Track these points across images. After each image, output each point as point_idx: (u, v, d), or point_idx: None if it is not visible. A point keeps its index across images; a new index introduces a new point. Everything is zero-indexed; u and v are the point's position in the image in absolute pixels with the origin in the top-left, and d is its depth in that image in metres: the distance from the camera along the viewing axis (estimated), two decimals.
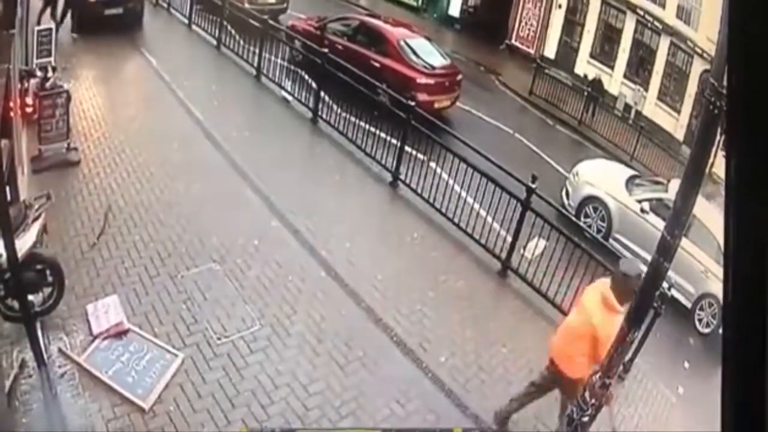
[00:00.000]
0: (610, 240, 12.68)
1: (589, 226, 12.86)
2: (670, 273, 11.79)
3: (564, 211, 12.47)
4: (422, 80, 15.28)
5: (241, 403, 8.02)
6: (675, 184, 13.57)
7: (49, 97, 11.48)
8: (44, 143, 11.44)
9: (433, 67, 15.67)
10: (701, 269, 11.81)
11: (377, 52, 15.70)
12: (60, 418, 7.51)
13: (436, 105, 15.15)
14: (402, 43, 15.81)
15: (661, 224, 12.00)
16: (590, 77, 18.04)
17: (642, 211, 12.83)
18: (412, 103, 12.41)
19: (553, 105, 17.81)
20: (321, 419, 8.07)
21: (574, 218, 12.59)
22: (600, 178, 13.84)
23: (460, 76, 16.07)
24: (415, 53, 15.77)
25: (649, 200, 12.97)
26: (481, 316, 10.03)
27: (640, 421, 9.03)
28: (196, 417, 7.77)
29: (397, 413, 8.32)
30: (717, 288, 11.51)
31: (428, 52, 16.05)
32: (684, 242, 11.80)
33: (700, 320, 11.72)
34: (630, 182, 13.75)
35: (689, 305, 11.82)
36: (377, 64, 15.39)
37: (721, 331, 10.61)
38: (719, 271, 11.50)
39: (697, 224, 12.07)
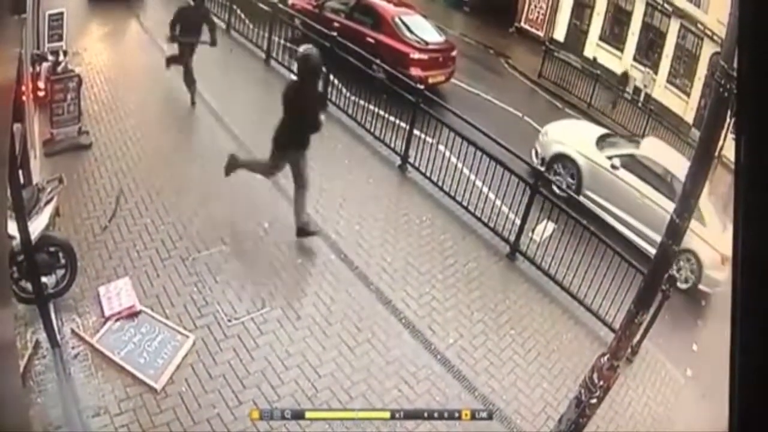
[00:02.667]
0: (581, 197, 12.65)
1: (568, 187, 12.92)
2: (646, 230, 11.98)
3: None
4: (416, 55, 15.34)
5: (252, 384, 8.11)
6: (648, 141, 13.79)
7: (61, 81, 11.50)
8: (56, 127, 11.47)
9: (427, 43, 15.71)
10: None
11: (372, 28, 15.74)
12: (73, 398, 7.60)
13: (431, 80, 15.19)
14: (396, 19, 15.85)
15: (632, 179, 12.37)
16: (619, 71, 17.89)
17: (612, 167, 12.82)
18: (421, 86, 12.43)
19: (562, 88, 17.71)
20: (331, 400, 8.16)
21: (545, 173, 12.56)
22: (569, 136, 13.79)
23: (454, 52, 16.10)
24: (409, 29, 15.80)
25: (620, 156, 12.97)
26: (489, 298, 10.07)
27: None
28: (207, 398, 7.86)
29: (406, 395, 8.40)
30: (695, 244, 11.58)
31: (423, 29, 16.07)
32: (659, 198, 11.90)
33: (678, 276, 11.73)
34: (601, 140, 13.70)
35: None
36: (372, 41, 15.43)
37: (700, 287, 10.68)
38: (697, 227, 11.50)
39: (672, 179, 12.23)
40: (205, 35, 13.51)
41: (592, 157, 13.17)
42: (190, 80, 13.28)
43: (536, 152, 13.71)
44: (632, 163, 12.77)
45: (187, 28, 13.18)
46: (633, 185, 12.53)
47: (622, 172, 12.74)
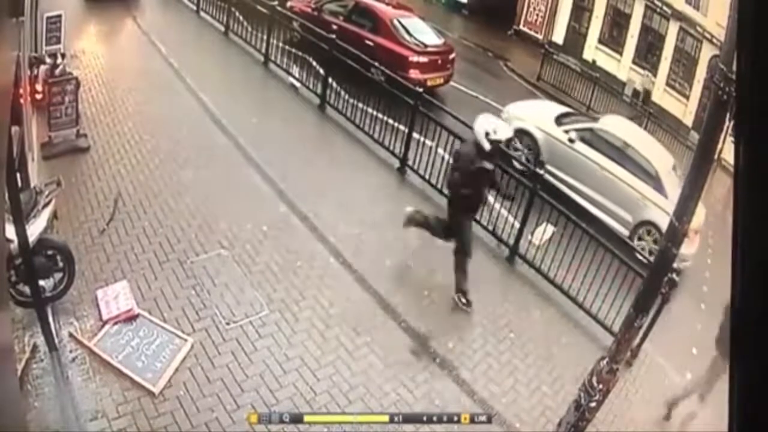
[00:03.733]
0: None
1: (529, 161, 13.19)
2: (605, 201, 12.28)
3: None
4: (414, 58, 15.37)
5: (250, 388, 8.09)
6: (608, 117, 14.11)
7: (59, 84, 11.50)
8: (54, 129, 11.46)
9: (426, 46, 15.74)
10: (638, 197, 11.97)
11: (371, 31, 15.76)
12: (71, 401, 7.58)
13: (429, 83, 15.24)
14: (395, 22, 15.88)
15: (589, 152, 12.69)
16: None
17: (570, 140, 13.01)
18: (420, 89, 12.43)
19: (561, 91, 17.72)
20: (329, 404, 8.14)
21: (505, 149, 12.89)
22: (529, 113, 14.07)
23: (453, 55, 16.14)
24: (407, 32, 15.83)
25: (577, 130, 13.19)
26: (488, 301, 10.05)
27: None
28: (206, 401, 7.84)
29: (405, 398, 8.38)
30: (655, 215, 11.87)
31: (421, 31, 16.10)
32: (619, 171, 11.99)
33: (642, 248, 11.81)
34: (561, 117, 13.98)
35: (627, 233, 11.93)
36: (371, 43, 15.45)
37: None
38: (656, 198, 11.95)
39: (632, 152, 12.50)
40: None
41: (550, 132, 13.44)
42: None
43: None
44: (592, 137, 13.03)
45: (465, 177, 9.75)
46: (591, 158, 12.75)
47: (581, 146, 12.99)
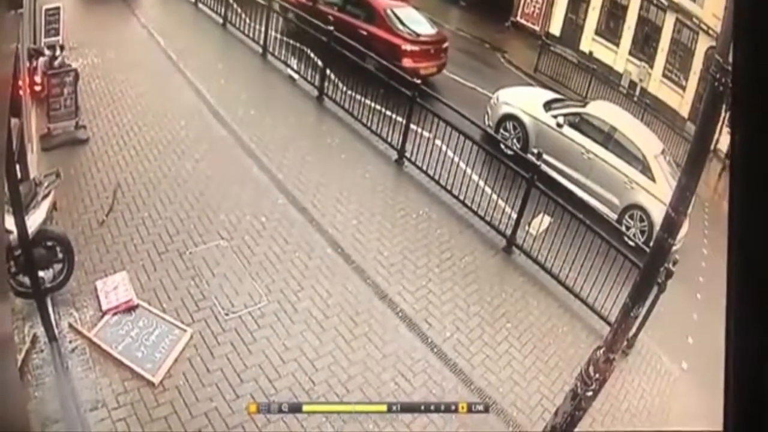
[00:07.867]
0: (528, 154, 12.72)
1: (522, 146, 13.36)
2: (593, 185, 12.47)
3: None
4: (407, 47, 15.40)
5: (249, 378, 8.14)
6: (595, 103, 14.27)
7: (58, 76, 11.50)
8: (53, 121, 11.46)
9: (419, 35, 15.76)
10: (624, 180, 12.07)
11: (365, 21, 15.79)
12: (71, 392, 7.62)
13: (422, 71, 15.27)
14: (389, 11, 15.90)
15: (577, 136, 12.86)
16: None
17: (558, 125, 13.15)
18: (418, 81, 12.45)
19: (558, 82, 17.71)
20: (328, 393, 8.18)
21: (494, 134, 13.51)
22: (518, 99, 14.20)
23: (446, 44, 16.17)
24: (401, 21, 15.86)
25: (565, 115, 13.35)
26: (485, 292, 10.10)
27: None
28: (205, 391, 7.89)
29: (403, 388, 8.43)
30: (642, 198, 12.00)
31: (414, 21, 16.13)
32: (606, 155, 12.10)
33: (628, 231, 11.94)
34: (550, 103, 14.10)
35: (615, 217, 12.07)
36: (365, 33, 15.47)
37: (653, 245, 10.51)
38: (643, 182, 12.06)
39: (619, 136, 12.63)
40: None
41: (538, 117, 13.56)
42: None
43: (487, 116, 14.09)
44: (579, 122, 13.17)
45: None
46: (579, 142, 12.90)
47: (569, 131, 13.11)
